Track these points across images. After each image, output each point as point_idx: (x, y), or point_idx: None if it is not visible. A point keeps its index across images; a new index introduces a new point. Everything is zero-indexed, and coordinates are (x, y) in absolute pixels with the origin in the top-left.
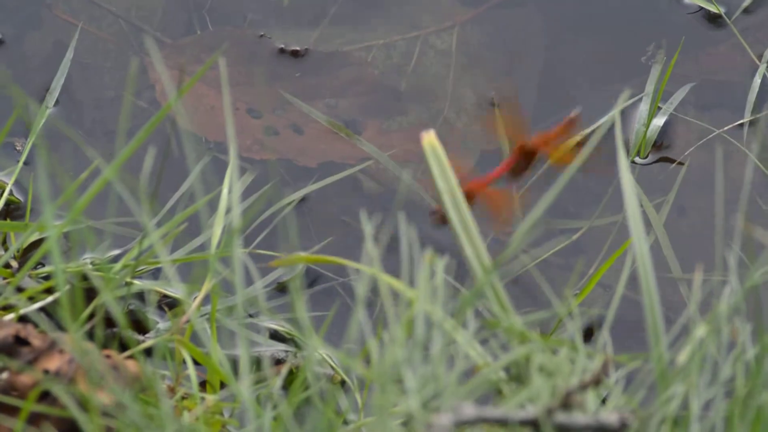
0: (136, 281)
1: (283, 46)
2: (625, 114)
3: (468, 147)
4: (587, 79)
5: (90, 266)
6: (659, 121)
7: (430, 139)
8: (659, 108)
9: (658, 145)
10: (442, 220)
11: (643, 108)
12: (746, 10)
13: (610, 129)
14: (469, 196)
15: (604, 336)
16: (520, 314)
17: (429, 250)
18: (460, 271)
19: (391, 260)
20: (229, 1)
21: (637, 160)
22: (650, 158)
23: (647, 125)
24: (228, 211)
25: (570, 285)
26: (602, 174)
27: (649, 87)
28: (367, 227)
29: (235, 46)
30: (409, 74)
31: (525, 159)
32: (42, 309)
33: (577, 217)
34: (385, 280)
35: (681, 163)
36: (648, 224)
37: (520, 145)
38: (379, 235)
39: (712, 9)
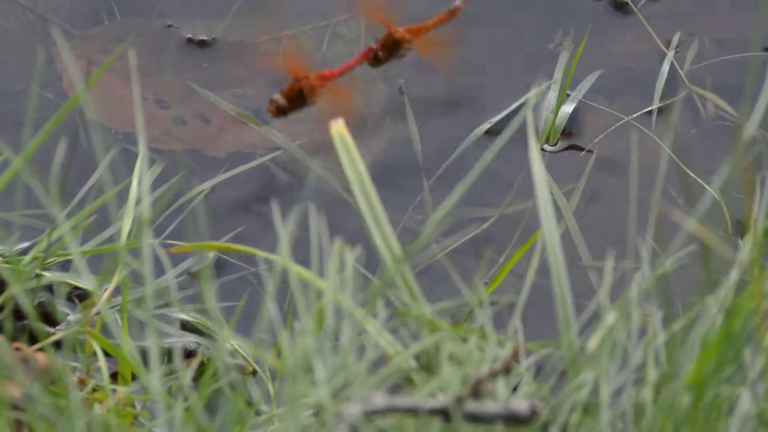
0: (45, 273)
1: (191, 36)
2: (534, 101)
3: (377, 134)
4: (495, 66)
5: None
6: (568, 109)
7: (338, 128)
8: (568, 95)
9: (567, 132)
10: (280, 111)
11: (552, 95)
12: None
13: (518, 116)
14: (314, 88)
15: (514, 324)
16: (431, 303)
17: (339, 240)
18: (371, 260)
19: (302, 250)
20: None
21: (547, 147)
22: (559, 146)
23: (556, 112)
24: (138, 202)
25: (481, 274)
26: (442, 64)
27: (557, 74)
28: (278, 217)
29: (143, 36)
30: (319, 65)
31: (391, 48)
32: None
33: (487, 205)
34: (296, 270)
35: (590, 151)
36: (558, 212)
37: (388, 34)
38: (289, 224)
39: None
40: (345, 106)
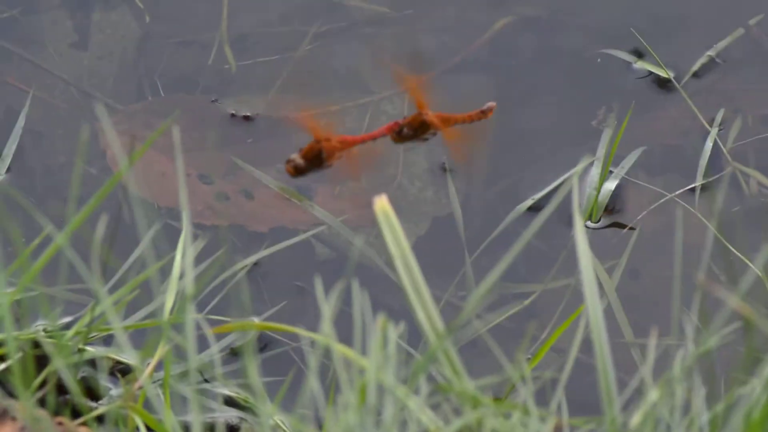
0: (88, 348)
1: (234, 111)
2: (577, 178)
3: (421, 212)
4: (538, 143)
5: (42, 333)
6: (611, 185)
7: (382, 203)
8: (611, 172)
9: (609, 209)
10: (296, 171)
11: (595, 172)
12: (695, 75)
13: (560, 192)
14: (334, 151)
15: (557, 399)
16: (473, 379)
17: (381, 316)
18: (413, 335)
19: (345, 323)
20: (180, 66)
21: (589, 224)
22: (602, 222)
23: (598, 189)
24: (181, 276)
25: (523, 349)
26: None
27: (600, 151)
28: (320, 293)
29: (186, 111)
30: None
31: (417, 128)
32: None
33: (530, 281)
34: (338, 348)
35: (633, 228)
36: (600, 288)
37: (417, 114)
38: (332, 300)
39: (662, 74)
40: (356, 173)
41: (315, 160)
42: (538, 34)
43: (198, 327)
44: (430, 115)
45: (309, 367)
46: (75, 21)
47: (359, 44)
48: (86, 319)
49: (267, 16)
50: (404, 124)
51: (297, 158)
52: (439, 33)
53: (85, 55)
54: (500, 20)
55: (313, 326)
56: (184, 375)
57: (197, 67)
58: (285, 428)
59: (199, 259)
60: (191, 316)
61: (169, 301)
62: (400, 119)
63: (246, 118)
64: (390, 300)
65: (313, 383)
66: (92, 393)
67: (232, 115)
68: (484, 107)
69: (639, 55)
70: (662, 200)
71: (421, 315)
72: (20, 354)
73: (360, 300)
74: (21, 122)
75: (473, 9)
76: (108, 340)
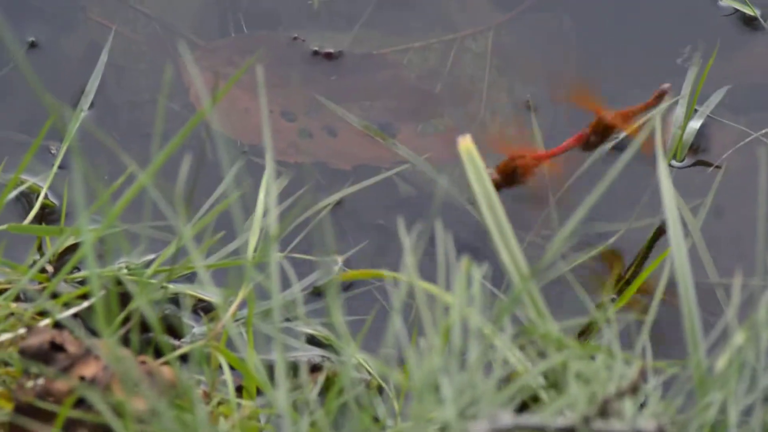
0: (170, 285)
1: (317, 48)
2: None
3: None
4: (622, 82)
5: (125, 271)
6: (695, 124)
7: (466, 143)
8: (696, 111)
9: (694, 148)
10: (497, 185)
11: (680, 111)
12: None
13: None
14: (529, 168)
15: (642, 342)
16: (557, 320)
17: (466, 257)
18: (497, 275)
19: (428, 265)
20: (264, 3)
21: (674, 163)
22: (687, 161)
23: (683, 128)
24: (264, 214)
25: (607, 290)
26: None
27: (685, 89)
28: (404, 234)
29: (269, 48)
30: (444, 77)
31: (602, 132)
32: (77, 314)
33: (614, 220)
34: (422, 286)
35: (718, 167)
36: (686, 228)
37: (599, 119)
38: (416, 240)
39: (748, 11)
40: (554, 186)
41: (510, 176)
42: None
43: (280, 265)
44: (611, 117)
45: (393, 305)
46: None
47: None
48: (168, 257)
49: None
50: (590, 132)
51: (492, 174)
52: None
53: None
54: None
55: (396, 266)
56: (267, 314)
57: (280, 2)
58: (368, 368)
59: (282, 197)
60: (275, 255)
61: (253, 240)
62: (585, 129)
63: (329, 55)
64: (473, 239)
65: (396, 322)
66: (174, 331)
67: (315, 52)
68: (659, 91)
69: None
70: (747, 139)
71: (505, 256)
72: (103, 292)
73: (443, 240)
74: (104, 58)
75: None
76: (191, 278)
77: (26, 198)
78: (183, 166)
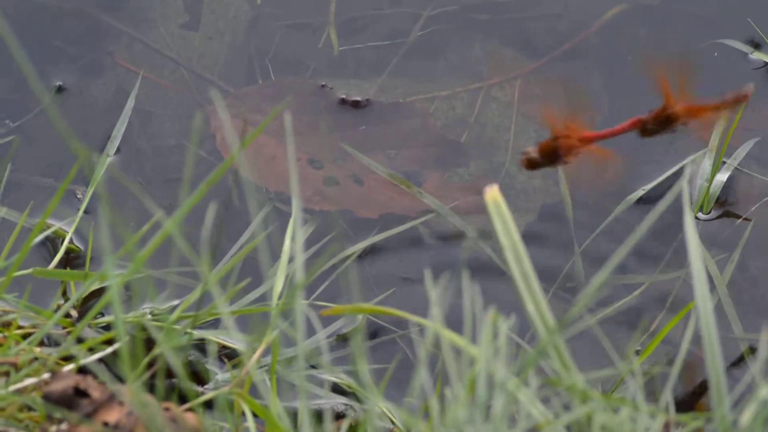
0: (195, 331)
1: (344, 96)
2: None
3: (529, 200)
4: None
5: (149, 316)
6: (723, 176)
7: (493, 193)
8: (723, 163)
9: (721, 200)
10: (530, 164)
11: (707, 163)
12: None
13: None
14: (572, 148)
15: (666, 395)
16: (582, 372)
17: (492, 308)
18: (521, 323)
19: (453, 314)
20: (291, 50)
21: (700, 215)
22: (713, 214)
23: (710, 180)
24: (290, 261)
25: (632, 343)
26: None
27: (713, 141)
28: (429, 283)
29: (297, 96)
30: (471, 126)
31: (664, 121)
32: (101, 359)
33: (639, 273)
34: (447, 336)
35: (747, 219)
36: (711, 282)
37: (663, 107)
38: (441, 289)
39: None
40: (601, 171)
41: (551, 155)
42: (651, 23)
43: (305, 313)
44: (677, 108)
45: (417, 356)
46: (186, 1)
47: (470, 29)
48: (193, 302)
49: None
50: (649, 119)
51: (533, 152)
52: (551, 19)
53: (195, 36)
54: (613, 8)
55: (421, 314)
56: (291, 361)
57: (308, 50)
58: (391, 417)
59: (307, 244)
60: (301, 303)
61: (278, 286)
62: (644, 114)
63: (356, 103)
64: (497, 287)
65: (421, 372)
66: (199, 377)
67: (343, 100)
68: (742, 91)
69: (755, 45)
70: None
71: (531, 308)
72: (128, 337)
73: (469, 290)
74: (130, 103)
75: None
76: (215, 324)
77: (51, 242)
78: (209, 212)
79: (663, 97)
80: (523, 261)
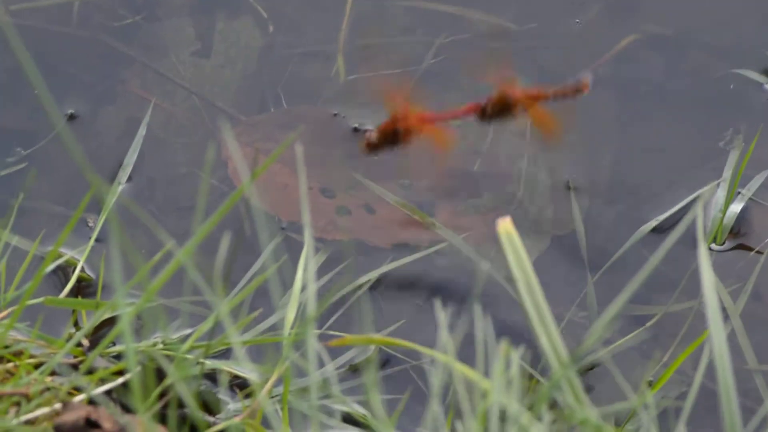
0: (207, 361)
1: (357, 125)
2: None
3: (541, 231)
4: (662, 163)
5: (161, 345)
6: (737, 207)
7: (506, 225)
8: (737, 193)
9: (735, 231)
10: (371, 148)
11: (721, 194)
12: None
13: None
14: (411, 130)
15: (679, 427)
16: (595, 403)
17: (504, 340)
18: (535, 354)
19: (465, 345)
20: (304, 78)
21: (714, 246)
22: (727, 245)
23: (724, 211)
24: (302, 290)
25: (645, 374)
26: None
27: (727, 172)
28: (441, 314)
29: (309, 124)
30: (483, 156)
31: (501, 107)
32: (112, 390)
33: (652, 303)
34: (460, 369)
35: (759, 252)
36: (724, 312)
37: (502, 92)
38: (452, 318)
39: None
40: (440, 152)
41: (391, 137)
42: (665, 52)
43: (317, 342)
44: (517, 93)
45: (429, 385)
46: (198, 29)
47: (483, 57)
48: (204, 332)
49: (389, 27)
50: (488, 103)
51: (372, 135)
52: (563, 49)
53: (207, 64)
54: (626, 37)
55: (433, 344)
56: (303, 391)
57: (320, 78)
58: None
59: (319, 274)
60: (312, 334)
61: (290, 316)
62: (483, 98)
63: (368, 132)
64: (509, 316)
65: (434, 403)
66: (210, 408)
67: (355, 129)
68: (580, 81)
69: None
70: None
71: (544, 341)
72: (139, 368)
73: (481, 322)
74: (142, 131)
75: (598, 25)
76: (227, 354)
77: (62, 271)
78: (222, 243)
79: (498, 85)
80: (536, 293)
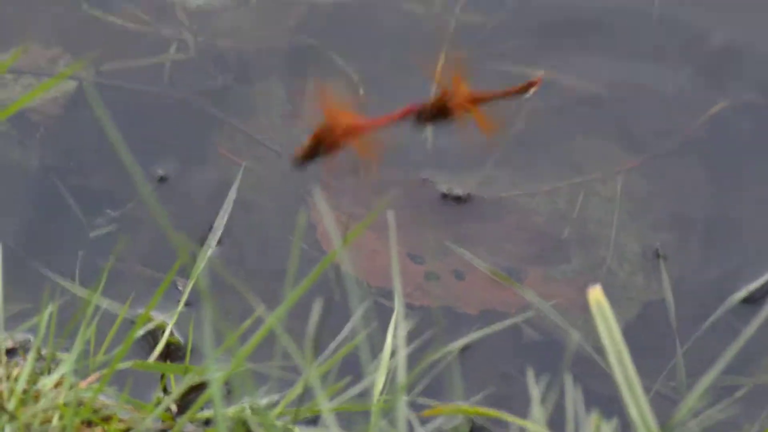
0: (296, 427)
1: (446, 191)
2: None
3: (630, 297)
4: (753, 232)
5: (248, 410)
6: None
7: (596, 294)
8: None
9: None
10: (302, 157)
11: None
12: None
13: None
14: (339, 139)
15: None
16: None
17: (594, 411)
18: (625, 425)
19: (556, 414)
20: (393, 141)
21: None
22: None
23: None
24: (391, 357)
25: None
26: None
27: None
28: (532, 383)
29: (398, 189)
30: (572, 221)
31: (440, 109)
32: None
33: (741, 373)
34: None
35: None
36: None
37: (442, 94)
38: (543, 388)
39: None
40: (369, 163)
41: (321, 145)
42: (756, 120)
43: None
44: (457, 96)
45: None
46: (288, 90)
47: (573, 123)
48: (293, 399)
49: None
50: (426, 106)
51: (304, 144)
52: (654, 116)
53: (298, 126)
54: (717, 104)
55: (522, 414)
56: None
57: (409, 141)
58: None
59: (408, 340)
60: (403, 402)
61: (379, 383)
62: (419, 101)
63: (457, 198)
64: (597, 385)
65: None
66: None
67: (444, 195)
68: (532, 78)
69: None
70: None
71: (634, 413)
72: None
73: (572, 393)
74: (232, 194)
75: (689, 92)
76: (315, 421)
77: (151, 334)
78: (314, 309)
79: (439, 86)
80: (626, 364)
